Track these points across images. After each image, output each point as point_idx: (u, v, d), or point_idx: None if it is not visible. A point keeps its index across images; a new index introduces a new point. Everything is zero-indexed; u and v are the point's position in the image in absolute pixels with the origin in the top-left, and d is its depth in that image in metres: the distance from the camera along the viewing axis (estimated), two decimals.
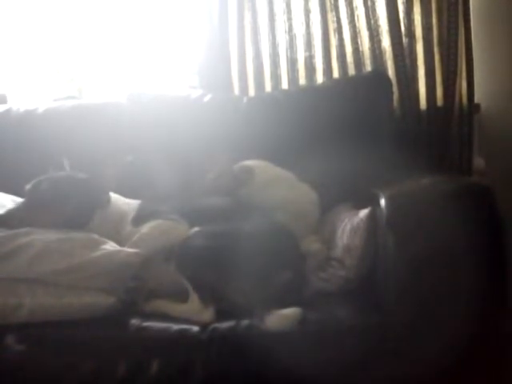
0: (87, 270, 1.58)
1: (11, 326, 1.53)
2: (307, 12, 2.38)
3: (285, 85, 2.42)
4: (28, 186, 1.74)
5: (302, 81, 2.41)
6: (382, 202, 1.58)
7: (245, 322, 1.50)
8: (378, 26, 2.35)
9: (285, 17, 2.38)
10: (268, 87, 2.42)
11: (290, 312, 1.50)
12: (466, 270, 1.47)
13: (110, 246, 1.64)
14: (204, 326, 1.51)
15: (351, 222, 1.76)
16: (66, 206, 1.72)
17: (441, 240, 1.48)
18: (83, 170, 1.79)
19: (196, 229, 1.66)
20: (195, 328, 1.50)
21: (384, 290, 1.55)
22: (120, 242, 1.69)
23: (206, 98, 2.22)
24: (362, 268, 1.69)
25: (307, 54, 2.38)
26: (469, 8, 2.34)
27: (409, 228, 1.51)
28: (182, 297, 1.60)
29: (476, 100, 2.37)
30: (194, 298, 1.58)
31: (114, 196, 1.82)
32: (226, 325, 1.50)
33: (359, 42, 2.36)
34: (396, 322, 1.49)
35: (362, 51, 2.37)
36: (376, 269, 1.64)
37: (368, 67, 2.37)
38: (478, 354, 1.48)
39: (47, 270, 1.57)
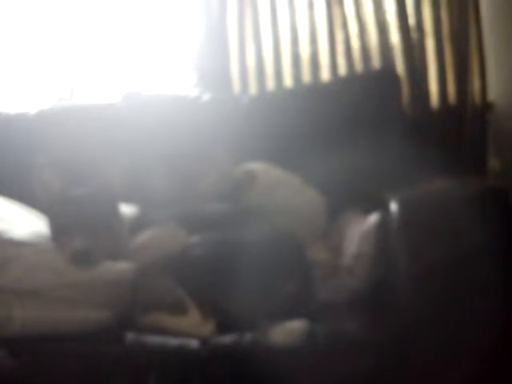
0: (80, 289, 1.55)
1: (1, 339, 1.48)
2: (311, 5, 2.37)
3: (288, 82, 2.41)
4: (51, 207, 1.64)
5: (306, 78, 2.40)
6: (394, 206, 1.55)
7: (247, 337, 1.46)
8: (385, 21, 2.35)
9: (287, 10, 2.37)
10: (270, 85, 2.41)
11: (296, 325, 1.46)
12: (483, 279, 1.43)
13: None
14: (204, 341, 1.47)
15: (361, 228, 1.74)
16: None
17: (456, 248, 1.45)
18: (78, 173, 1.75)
19: (195, 237, 1.64)
20: (194, 343, 1.47)
21: (396, 301, 1.51)
22: (115, 253, 1.65)
23: (205, 98, 2.22)
24: (372, 277, 1.67)
25: (311, 49, 2.38)
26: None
27: (422, 234, 1.48)
28: (181, 310, 1.57)
29: (489, 98, 2.35)
30: (193, 311, 1.55)
31: None
32: (227, 339, 1.47)
33: (366, 38, 2.36)
34: (409, 335, 1.44)
35: (370, 47, 2.36)
36: (387, 278, 1.60)
37: (376, 64, 2.37)
38: (497, 371, 1.43)
39: (38, 285, 1.54)
